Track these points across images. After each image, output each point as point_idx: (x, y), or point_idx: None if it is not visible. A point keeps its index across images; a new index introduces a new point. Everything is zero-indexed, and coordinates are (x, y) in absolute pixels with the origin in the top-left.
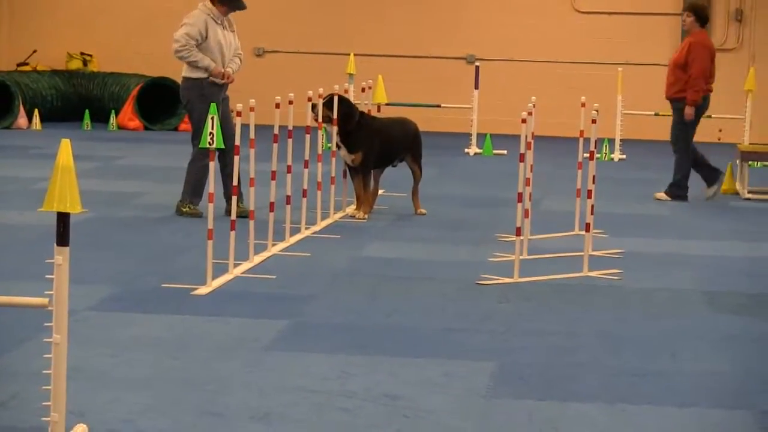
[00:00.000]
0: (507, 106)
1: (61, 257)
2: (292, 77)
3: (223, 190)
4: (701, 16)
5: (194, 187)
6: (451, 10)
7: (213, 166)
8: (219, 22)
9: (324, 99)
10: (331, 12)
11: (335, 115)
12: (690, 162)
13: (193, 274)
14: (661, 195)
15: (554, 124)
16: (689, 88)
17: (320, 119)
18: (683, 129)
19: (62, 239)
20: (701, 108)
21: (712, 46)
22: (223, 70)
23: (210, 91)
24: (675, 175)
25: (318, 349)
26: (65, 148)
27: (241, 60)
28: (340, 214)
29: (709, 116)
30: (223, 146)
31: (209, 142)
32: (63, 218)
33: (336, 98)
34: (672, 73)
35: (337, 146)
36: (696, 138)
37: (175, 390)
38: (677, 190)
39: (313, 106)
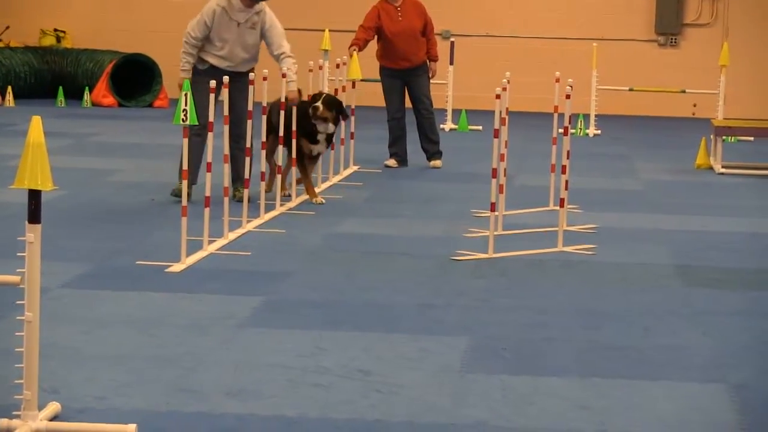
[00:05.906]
0: (482, 82)
1: (32, 235)
2: (266, 54)
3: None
4: None
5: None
6: None
7: (185, 143)
8: (234, 17)
9: (316, 99)
10: None
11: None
12: None
13: (167, 251)
14: (436, 162)
15: (529, 100)
16: (434, 47)
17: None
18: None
19: (34, 216)
20: None
21: None
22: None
23: (198, 78)
24: (437, 137)
25: (292, 326)
26: (36, 125)
27: (289, 65)
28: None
29: (683, 91)
30: (196, 122)
31: (182, 119)
32: (34, 195)
33: (324, 97)
34: (415, 42)
35: (315, 141)
36: (670, 113)
37: (150, 367)
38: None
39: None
